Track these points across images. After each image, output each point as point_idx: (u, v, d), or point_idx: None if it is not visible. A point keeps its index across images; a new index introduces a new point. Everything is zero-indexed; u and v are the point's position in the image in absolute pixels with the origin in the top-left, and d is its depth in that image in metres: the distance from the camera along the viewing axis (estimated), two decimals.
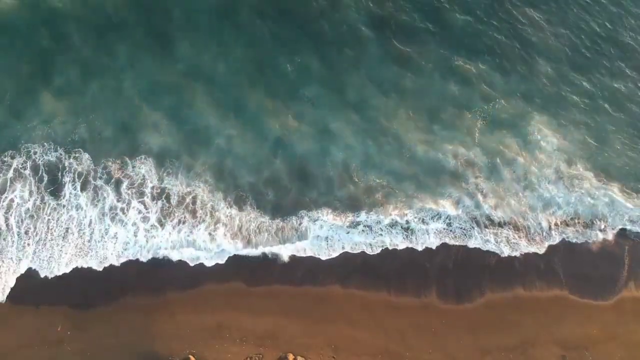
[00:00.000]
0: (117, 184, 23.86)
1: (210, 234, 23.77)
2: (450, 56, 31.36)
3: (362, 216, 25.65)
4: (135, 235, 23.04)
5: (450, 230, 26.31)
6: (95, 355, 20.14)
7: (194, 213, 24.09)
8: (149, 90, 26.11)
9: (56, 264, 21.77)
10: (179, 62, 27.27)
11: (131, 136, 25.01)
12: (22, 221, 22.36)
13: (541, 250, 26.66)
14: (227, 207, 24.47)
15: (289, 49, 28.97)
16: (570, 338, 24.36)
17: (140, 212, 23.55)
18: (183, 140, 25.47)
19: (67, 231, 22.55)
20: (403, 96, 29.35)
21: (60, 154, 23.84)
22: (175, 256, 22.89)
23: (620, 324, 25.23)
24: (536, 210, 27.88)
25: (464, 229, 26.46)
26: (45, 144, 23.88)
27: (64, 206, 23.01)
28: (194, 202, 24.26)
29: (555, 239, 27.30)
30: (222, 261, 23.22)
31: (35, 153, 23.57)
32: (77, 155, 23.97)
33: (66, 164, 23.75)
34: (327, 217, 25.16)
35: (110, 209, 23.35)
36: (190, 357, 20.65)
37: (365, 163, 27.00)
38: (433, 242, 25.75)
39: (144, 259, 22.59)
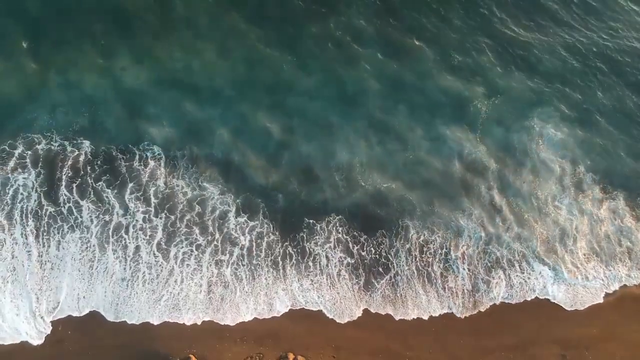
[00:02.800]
0: (122, 185, 23.52)
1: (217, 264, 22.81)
2: (451, 52, 31.46)
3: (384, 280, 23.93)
4: (134, 281, 21.71)
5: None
6: (96, 354, 20.09)
7: (203, 227, 23.55)
8: (151, 85, 26.20)
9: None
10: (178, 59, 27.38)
11: (135, 129, 24.98)
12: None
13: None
14: (235, 217, 23.98)
15: (287, 44, 29.01)
16: (570, 337, 24.30)
17: (144, 233, 22.68)
18: (186, 137, 25.38)
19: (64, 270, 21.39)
20: (403, 93, 29.31)
21: (62, 144, 23.57)
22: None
23: (621, 323, 25.19)
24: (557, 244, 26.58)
25: (489, 286, 24.80)
26: (47, 133, 23.69)
27: (63, 217, 22.24)
28: (201, 215, 23.70)
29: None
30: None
31: (38, 143, 23.36)
32: (79, 143, 23.72)
33: (68, 154, 23.45)
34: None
35: (115, 229, 22.48)
36: (191, 356, 20.61)
37: (370, 164, 26.76)
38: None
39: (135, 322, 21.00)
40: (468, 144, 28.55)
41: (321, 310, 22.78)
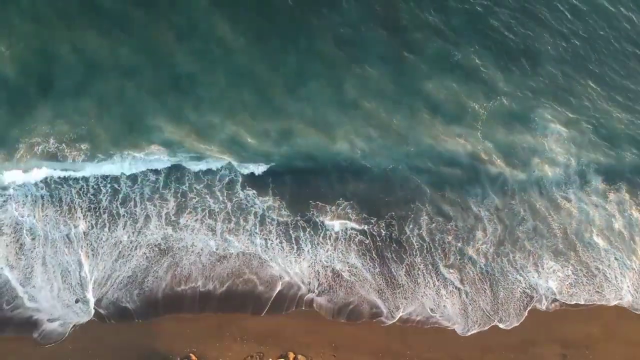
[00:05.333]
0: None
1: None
2: (452, 51, 30.74)
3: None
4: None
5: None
6: (97, 353, 20.11)
7: (212, 194, 23.51)
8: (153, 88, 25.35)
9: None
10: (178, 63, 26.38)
11: (136, 128, 24.34)
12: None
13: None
14: (242, 189, 23.90)
15: (288, 42, 28.18)
16: (570, 337, 24.38)
17: (155, 205, 22.78)
18: (188, 134, 24.81)
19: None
20: (404, 91, 28.76)
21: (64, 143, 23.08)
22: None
23: (621, 323, 25.22)
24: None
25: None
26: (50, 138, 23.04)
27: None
28: (209, 187, 23.67)
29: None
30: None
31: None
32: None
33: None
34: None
35: (123, 201, 22.48)
36: (191, 355, 20.66)
37: (371, 156, 26.60)
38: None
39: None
40: (472, 139, 28.42)
41: (321, 310, 22.74)
